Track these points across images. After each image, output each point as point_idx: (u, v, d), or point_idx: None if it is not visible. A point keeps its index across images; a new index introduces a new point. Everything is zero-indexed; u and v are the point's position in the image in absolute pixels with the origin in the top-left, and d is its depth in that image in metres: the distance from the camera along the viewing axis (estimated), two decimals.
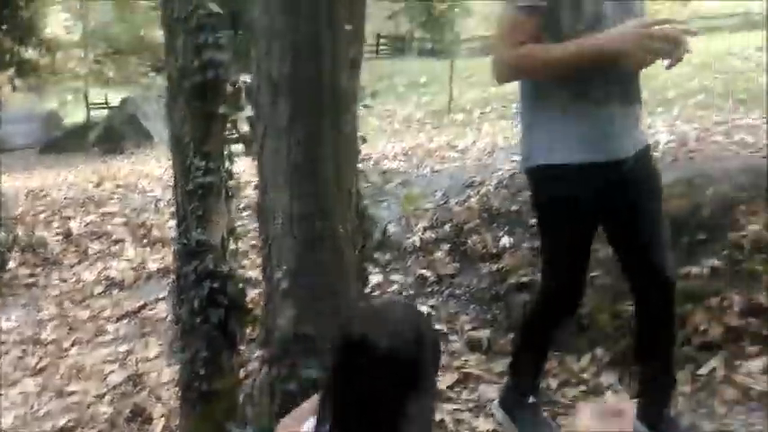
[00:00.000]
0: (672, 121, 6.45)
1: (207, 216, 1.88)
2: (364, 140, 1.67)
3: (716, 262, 2.64)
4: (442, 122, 10.15)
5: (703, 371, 2.39)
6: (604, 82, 1.73)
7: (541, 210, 1.91)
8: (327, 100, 1.25)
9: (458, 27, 13.23)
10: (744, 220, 2.76)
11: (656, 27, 1.60)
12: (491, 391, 2.46)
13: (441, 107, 11.23)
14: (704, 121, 5.75)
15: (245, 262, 3.43)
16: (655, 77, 7.69)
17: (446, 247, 3.63)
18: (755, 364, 2.35)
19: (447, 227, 3.75)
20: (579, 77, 1.70)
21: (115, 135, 14.31)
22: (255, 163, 1.34)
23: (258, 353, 1.63)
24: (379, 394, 0.97)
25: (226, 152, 1.94)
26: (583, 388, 2.51)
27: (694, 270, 2.64)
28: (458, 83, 11.48)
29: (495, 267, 3.42)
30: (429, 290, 3.43)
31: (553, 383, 2.58)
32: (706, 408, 2.27)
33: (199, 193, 1.86)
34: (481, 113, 10.15)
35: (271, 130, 1.28)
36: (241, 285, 2.04)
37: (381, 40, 26.46)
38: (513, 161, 4.91)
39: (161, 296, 3.97)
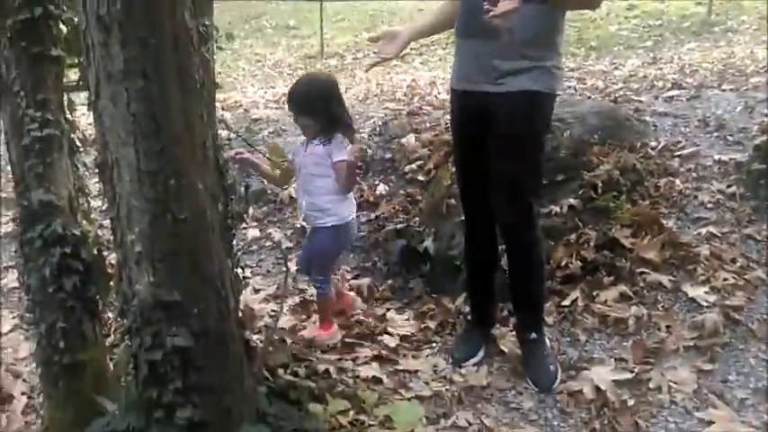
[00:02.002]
0: None
1: (49, 174, 1.66)
2: (218, 86, 1.54)
3: (572, 200, 2.83)
4: (315, 68, 9.88)
5: (566, 302, 2.58)
6: (466, 15, 1.99)
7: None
8: (168, 41, 1.09)
9: None
10: (596, 161, 2.95)
11: None
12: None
13: (313, 52, 10.90)
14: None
15: (106, 222, 3.16)
16: None
17: None
18: (610, 294, 2.56)
19: None
20: (460, 12, 2.01)
21: None
22: (91, 114, 1.18)
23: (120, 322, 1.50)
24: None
25: (66, 101, 1.72)
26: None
27: (555, 209, 2.81)
28: (328, 26, 11.18)
29: (372, 215, 3.43)
30: None
31: (431, 324, 2.67)
32: (569, 336, 2.46)
33: (36, 148, 1.64)
34: (354, 59, 10.00)
35: (104, 76, 1.12)
36: (98, 248, 1.85)
37: None
38: (386, 108, 4.89)
39: (11, 264, 3.58)
